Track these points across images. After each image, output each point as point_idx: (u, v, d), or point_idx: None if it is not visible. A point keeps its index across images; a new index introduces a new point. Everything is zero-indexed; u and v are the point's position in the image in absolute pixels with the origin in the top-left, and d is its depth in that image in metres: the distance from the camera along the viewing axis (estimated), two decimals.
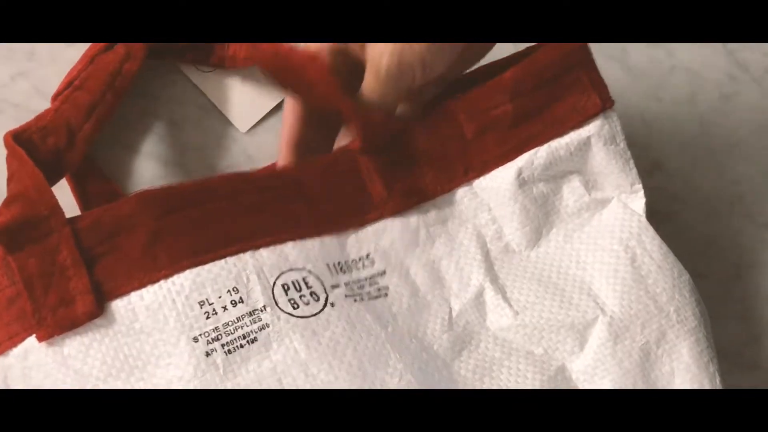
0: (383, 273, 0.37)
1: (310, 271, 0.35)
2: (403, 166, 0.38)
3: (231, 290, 0.33)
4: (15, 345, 0.32)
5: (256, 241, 0.34)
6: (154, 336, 0.32)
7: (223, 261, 0.33)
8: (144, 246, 0.33)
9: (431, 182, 0.38)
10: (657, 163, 0.49)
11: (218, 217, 0.34)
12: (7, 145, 0.36)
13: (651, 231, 0.38)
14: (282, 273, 0.34)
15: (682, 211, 0.49)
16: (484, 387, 0.35)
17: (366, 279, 0.36)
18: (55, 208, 0.33)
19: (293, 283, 0.34)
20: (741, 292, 0.48)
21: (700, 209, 0.49)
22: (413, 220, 0.38)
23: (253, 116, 0.47)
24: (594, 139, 0.38)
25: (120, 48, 0.42)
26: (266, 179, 0.36)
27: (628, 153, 0.39)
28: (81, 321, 0.32)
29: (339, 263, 0.36)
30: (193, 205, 0.34)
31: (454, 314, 0.37)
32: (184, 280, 0.33)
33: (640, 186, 0.39)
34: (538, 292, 0.37)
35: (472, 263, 0.38)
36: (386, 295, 0.36)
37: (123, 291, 0.32)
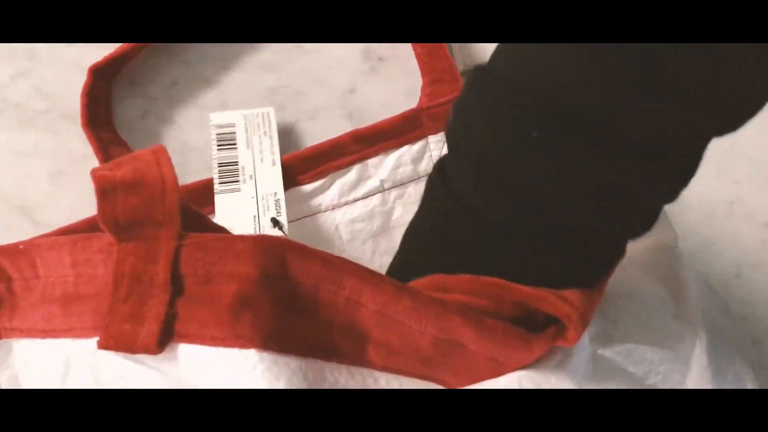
0: None
1: None
2: None
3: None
4: (85, 336, 0.30)
5: (344, 358, 0.30)
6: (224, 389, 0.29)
7: (303, 362, 0.29)
8: (234, 301, 0.28)
9: None
10: None
11: (335, 325, 0.29)
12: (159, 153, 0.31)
13: (683, 258, 0.37)
14: None
15: (682, 211, 0.49)
16: None
17: None
18: (173, 217, 0.29)
19: None
20: (741, 292, 0.48)
21: (700, 209, 0.49)
22: None
23: None
24: None
25: None
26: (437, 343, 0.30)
27: None
28: (137, 351, 0.28)
29: None
30: (320, 319, 0.29)
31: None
32: (258, 359, 0.28)
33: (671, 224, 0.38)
34: (633, 318, 0.34)
35: None
36: None
37: (194, 340, 0.28)
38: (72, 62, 0.47)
